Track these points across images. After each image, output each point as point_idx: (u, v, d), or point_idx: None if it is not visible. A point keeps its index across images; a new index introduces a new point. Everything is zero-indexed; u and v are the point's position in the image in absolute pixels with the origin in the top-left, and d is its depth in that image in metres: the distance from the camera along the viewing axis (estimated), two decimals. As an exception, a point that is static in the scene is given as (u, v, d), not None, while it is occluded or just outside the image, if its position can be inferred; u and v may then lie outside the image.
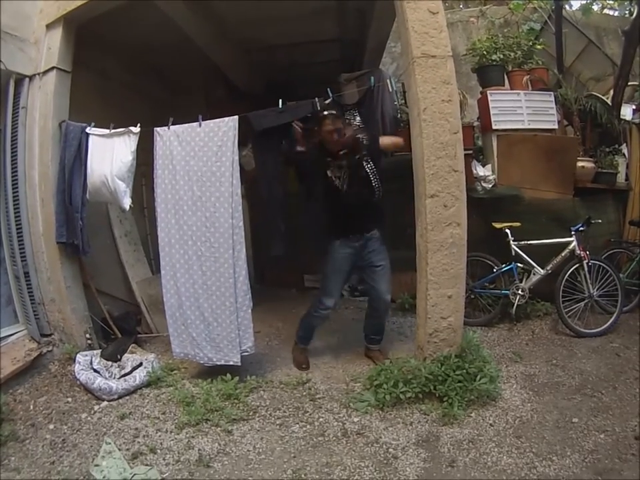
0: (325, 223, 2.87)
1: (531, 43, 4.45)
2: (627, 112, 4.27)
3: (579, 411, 2.44)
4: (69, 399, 2.72)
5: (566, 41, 4.82)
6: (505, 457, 2.07)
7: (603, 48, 5.15)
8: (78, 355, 2.92)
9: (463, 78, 4.41)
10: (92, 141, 2.99)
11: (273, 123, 2.70)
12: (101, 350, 3.10)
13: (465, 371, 2.39)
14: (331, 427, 2.34)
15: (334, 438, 2.25)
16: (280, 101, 2.71)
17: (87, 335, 3.21)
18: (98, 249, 3.39)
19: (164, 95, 4.67)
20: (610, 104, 4.22)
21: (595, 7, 5.88)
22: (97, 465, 2.07)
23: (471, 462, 2.04)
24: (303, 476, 1.97)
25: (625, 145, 4.26)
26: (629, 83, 4.47)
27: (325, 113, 2.67)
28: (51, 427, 2.43)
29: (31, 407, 2.62)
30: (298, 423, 2.39)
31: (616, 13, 5.87)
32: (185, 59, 4.17)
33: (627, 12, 4.82)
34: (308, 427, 2.36)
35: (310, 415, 2.45)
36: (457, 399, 2.34)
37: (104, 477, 1.99)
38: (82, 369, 2.80)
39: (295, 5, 3.54)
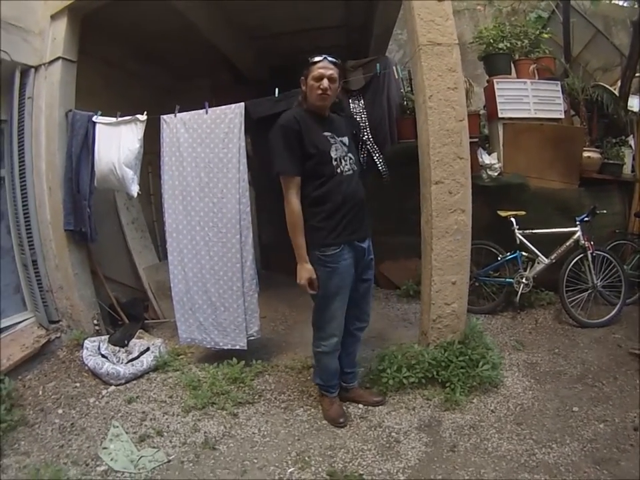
0: (311, 224, 2.13)
1: (538, 32, 4.38)
2: (634, 103, 4.25)
3: (580, 400, 2.45)
4: (77, 384, 2.76)
5: (573, 31, 4.75)
6: (505, 443, 2.09)
7: (612, 38, 5.08)
8: (86, 341, 2.97)
9: (470, 66, 4.36)
10: (99, 129, 3.02)
11: (269, 111, 2.68)
12: (108, 336, 3.15)
13: (467, 357, 2.41)
14: None
15: None
16: (276, 89, 2.72)
17: (95, 321, 3.26)
18: (105, 236, 3.42)
19: (170, 83, 4.69)
20: (617, 95, 4.19)
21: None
22: (105, 448, 2.12)
23: (471, 447, 2.07)
24: (306, 458, 2.01)
25: (631, 136, 4.22)
26: (637, 74, 4.44)
27: (318, 57, 2.10)
28: (60, 411, 2.48)
29: (40, 392, 2.67)
30: (302, 407, 2.43)
31: (625, 4, 5.78)
32: (190, 47, 4.16)
33: (636, 2, 4.75)
34: (312, 410, 2.39)
35: (314, 398, 2.48)
36: (459, 385, 2.36)
37: (112, 460, 2.05)
38: (90, 355, 2.85)
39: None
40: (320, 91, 2.09)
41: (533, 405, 2.40)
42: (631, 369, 2.78)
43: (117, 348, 3.03)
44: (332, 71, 2.09)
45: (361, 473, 1.90)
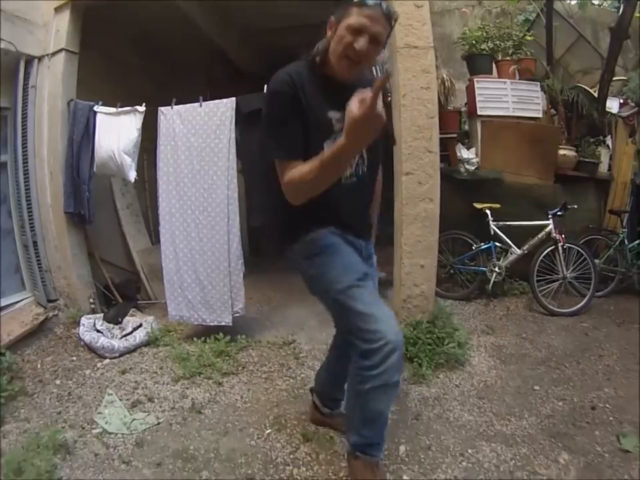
0: (287, 214, 1.53)
1: (522, 35, 4.56)
2: (613, 105, 4.39)
3: (541, 380, 2.60)
4: (74, 358, 2.94)
5: (557, 34, 4.89)
6: (466, 414, 2.26)
7: (598, 42, 5.24)
8: (82, 318, 3.15)
9: (457, 64, 4.53)
10: (99, 118, 3.20)
11: (258, 105, 2.85)
12: (103, 314, 3.33)
13: (434, 335, 2.60)
14: (311, 381, 2.48)
15: None
16: (265, 85, 2.87)
17: (91, 300, 3.45)
18: (101, 220, 3.61)
19: (168, 76, 4.84)
20: (596, 96, 4.35)
21: (595, 1, 5.95)
22: (99, 413, 2.29)
23: (434, 416, 2.24)
24: (283, 422, 2.19)
25: (609, 136, 4.40)
26: (619, 78, 4.60)
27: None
28: (57, 382, 2.64)
29: (39, 365, 2.84)
30: (282, 377, 2.62)
31: (609, 8, 5.94)
32: (188, 42, 4.33)
33: (615, 9, 4.91)
34: (291, 380, 2.58)
35: (293, 370, 2.68)
36: (426, 361, 2.55)
37: (106, 423, 2.21)
38: (86, 330, 3.04)
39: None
40: (352, 52, 1.35)
41: (495, 383, 2.57)
42: (594, 354, 2.94)
43: (112, 325, 3.20)
44: (380, 28, 1.36)
45: (332, 435, 2.07)
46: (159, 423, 2.22)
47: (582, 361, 2.86)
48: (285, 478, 1.84)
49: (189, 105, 3.00)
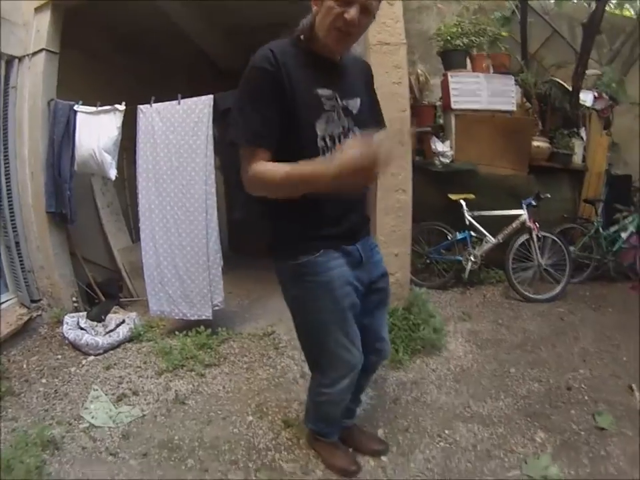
0: (278, 222, 1.49)
1: (497, 30, 4.66)
2: (587, 98, 4.50)
3: (517, 363, 2.67)
4: (59, 356, 2.95)
5: (532, 30, 5.01)
6: (443, 397, 2.33)
7: (574, 37, 5.35)
8: (66, 317, 3.16)
9: (434, 60, 4.59)
10: (80, 117, 3.22)
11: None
12: (86, 312, 3.34)
13: (410, 321, 2.67)
14: (291, 370, 2.63)
15: (293, 379, 2.53)
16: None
17: (74, 299, 3.47)
18: (82, 220, 3.60)
19: (149, 75, 4.84)
20: (570, 89, 4.47)
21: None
22: (86, 408, 2.32)
23: (412, 400, 2.31)
24: (264, 409, 2.25)
25: (583, 128, 4.52)
26: (593, 72, 4.71)
27: None
28: (44, 381, 2.65)
29: (24, 365, 2.84)
30: (262, 367, 2.68)
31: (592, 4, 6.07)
32: (170, 41, 4.35)
33: (587, 5, 5.04)
34: (271, 370, 2.64)
35: (273, 360, 2.74)
36: (402, 346, 2.62)
37: (93, 417, 2.25)
38: (70, 329, 3.05)
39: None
40: (342, 24, 1.26)
41: (472, 366, 2.64)
42: (569, 338, 3.03)
43: (95, 322, 3.22)
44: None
45: None
46: (144, 415, 2.26)
47: (557, 344, 2.95)
48: (268, 462, 1.90)
49: (167, 103, 3.05)
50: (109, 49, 4.24)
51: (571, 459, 1.89)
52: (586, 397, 2.34)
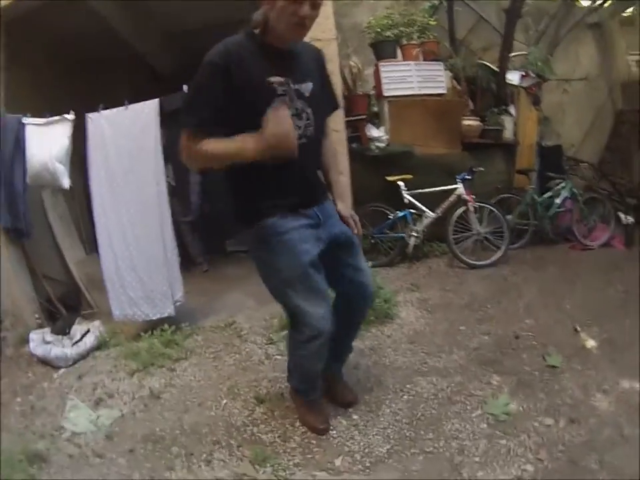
0: (239, 196, 1.69)
1: (426, 20, 4.94)
2: (514, 77, 4.81)
3: (466, 321, 2.87)
4: (30, 374, 2.92)
5: (460, 17, 5.30)
6: (400, 358, 2.50)
7: (501, 22, 5.65)
8: (31, 334, 3.12)
9: (368, 51, 4.77)
10: (29, 130, 3.22)
11: (179, 105, 3.02)
12: (50, 327, 3.31)
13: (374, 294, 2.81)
14: (256, 353, 2.74)
15: (259, 361, 2.65)
16: (184, 86, 3.03)
17: (36, 315, 3.43)
18: (36, 234, 3.56)
19: (92, 82, 4.81)
20: (497, 70, 4.78)
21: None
22: (65, 418, 2.32)
23: (372, 364, 2.46)
24: (236, 391, 2.36)
25: (512, 105, 4.86)
26: (520, 53, 5.03)
27: None
28: (19, 399, 2.61)
29: (-4, 389, 2.77)
30: (228, 354, 2.77)
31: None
32: (109, 48, 4.34)
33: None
34: (237, 356, 2.74)
35: (238, 347, 2.84)
36: (357, 318, 2.80)
37: (74, 425, 2.26)
38: (37, 345, 3.03)
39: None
40: (297, 19, 1.43)
41: (424, 329, 2.83)
42: (514, 295, 3.25)
43: (60, 336, 3.20)
44: None
45: (282, 393, 2.26)
46: (123, 415, 2.31)
47: (503, 301, 3.16)
48: (248, 437, 2.01)
49: (115, 109, 3.11)
50: (50, 61, 4.23)
51: (527, 396, 2.09)
52: (534, 342, 2.54)
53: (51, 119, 3.20)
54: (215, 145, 1.48)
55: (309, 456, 1.89)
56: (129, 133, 3.07)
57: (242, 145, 1.45)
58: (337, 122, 2.84)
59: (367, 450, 1.88)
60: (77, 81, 4.55)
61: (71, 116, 3.18)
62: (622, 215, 4.54)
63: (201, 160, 1.57)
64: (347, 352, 2.11)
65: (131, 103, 3.09)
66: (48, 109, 3.24)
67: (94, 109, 3.13)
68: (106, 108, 3.12)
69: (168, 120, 3.00)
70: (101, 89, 4.38)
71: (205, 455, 1.94)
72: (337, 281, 1.81)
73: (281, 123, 1.40)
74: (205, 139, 1.48)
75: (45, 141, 3.18)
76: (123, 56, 4.65)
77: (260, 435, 2.03)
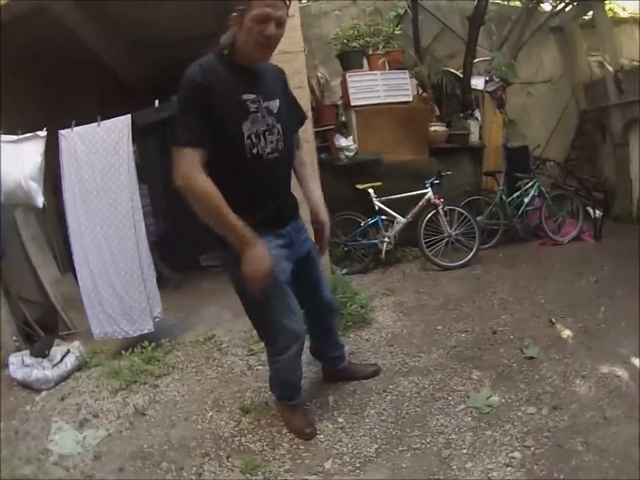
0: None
1: (391, 30, 5.07)
2: (478, 82, 5.01)
3: (443, 321, 2.95)
4: (11, 398, 2.84)
5: (424, 26, 5.46)
6: (380, 360, 2.54)
7: (465, 30, 5.89)
8: (10, 357, 3.05)
9: (334, 62, 4.88)
10: (1, 147, 3.15)
11: (151, 119, 3.09)
12: (29, 350, 3.26)
13: (337, 300, 2.78)
14: (237, 365, 2.76)
15: (241, 372, 2.68)
16: (156, 100, 3.09)
17: (14, 338, 3.36)
18: (9, 256, 3.49)
19: (60, 98, 4.74)
20: (461, 76, 4.97)
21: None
22: (51, 441, 2.29)
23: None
24: (221, 403, 2.38)
25: (477, 109, 5.05)
26: (484, 59, 5.22)
27: None
28: (2, 425, 2.54)
29: (-25, 416, 2.69)
30: (210, 368, 2.77)
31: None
32: (78, 62, 4.31)
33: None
34: (219, 369, 2.76)
35: (219, 360, 2.85)
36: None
37: (60, 448, 2.23)
38: (17, 368, 2.96)
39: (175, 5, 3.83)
40: (263, 40, 1.53)
41: (402, 331, 2.91)
42: (488, 293, 3.34)
43: (40, 359, 3.15)
44: (282, 12, 1.55)
45: (267, 402, 2.31)
46: (109, 434, 2.28)
47: (477, 299, 3.26)
48: (236, 447, 2.04)
49: (87, 126, 3.11)
50: (18, 77, 4.10)
51: (509, 387, 2.16)
52: (511, 337, 2.62)
53: (22, 136, 3.16)
54: (221, 203, 1.54)
55: (299, 461, 1.93)
56: (101, 149, 3.07)
57: (241, 236, 1.57)
58: (307, 133, 2.91)
59: (355, 451, 1.94)
60: (43, 94, 4.49)
61: (43, 133, 3.15)
62: (590, 210, 4.74)
63: (202, 200, 1.56)
64: (340, 348, 2.33)
65: (98, 115, 3.10)
66: (18, 124, 3.20)
67: (61, 122, 3.11)
68: (78, 124, 3.11)
69: (140, 135, 3.02)
70: (68, 102, 4.36)
71: (195, 469, 1.96)
72: (301, 293, 1.94)
73: (258, 262, 1.58)
74: (202, 158, 1.54)
75: (18, 159, 3.13)
76: (90, 67, 4.60)
77: (248, 444, 2.06)
